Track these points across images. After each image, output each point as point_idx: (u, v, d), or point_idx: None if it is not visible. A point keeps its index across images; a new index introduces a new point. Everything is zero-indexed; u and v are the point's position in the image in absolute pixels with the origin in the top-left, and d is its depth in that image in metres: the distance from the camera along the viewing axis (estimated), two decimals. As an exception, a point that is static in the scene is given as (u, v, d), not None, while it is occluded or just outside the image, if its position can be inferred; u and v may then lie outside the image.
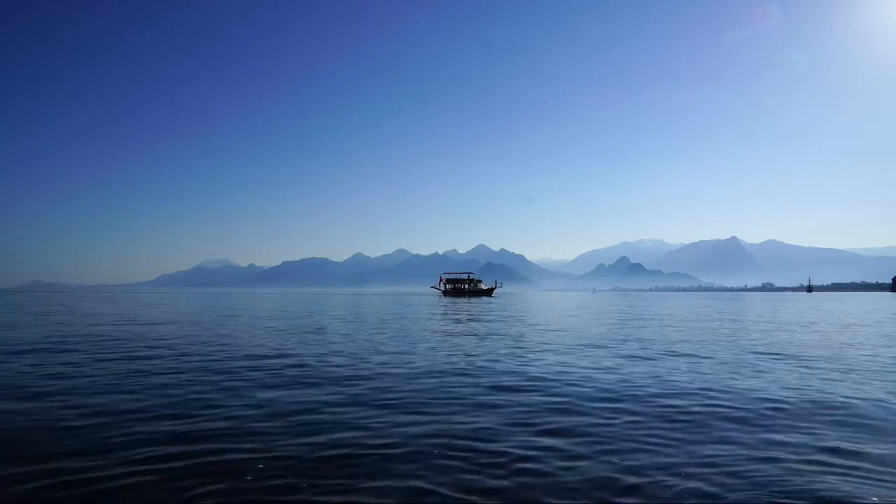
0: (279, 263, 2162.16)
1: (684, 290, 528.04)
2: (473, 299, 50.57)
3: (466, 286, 67.58)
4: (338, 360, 8.14)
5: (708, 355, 8.93)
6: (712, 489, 3.07)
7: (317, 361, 8.01)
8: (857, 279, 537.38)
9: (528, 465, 3.45)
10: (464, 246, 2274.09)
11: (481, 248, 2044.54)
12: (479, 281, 68.84)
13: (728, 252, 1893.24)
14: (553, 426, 4.38)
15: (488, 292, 68.63)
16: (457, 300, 47.20)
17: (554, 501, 2.93)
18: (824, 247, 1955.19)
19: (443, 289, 68.69)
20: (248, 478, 3.20)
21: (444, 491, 3.05)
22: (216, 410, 4.86)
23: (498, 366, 7.65)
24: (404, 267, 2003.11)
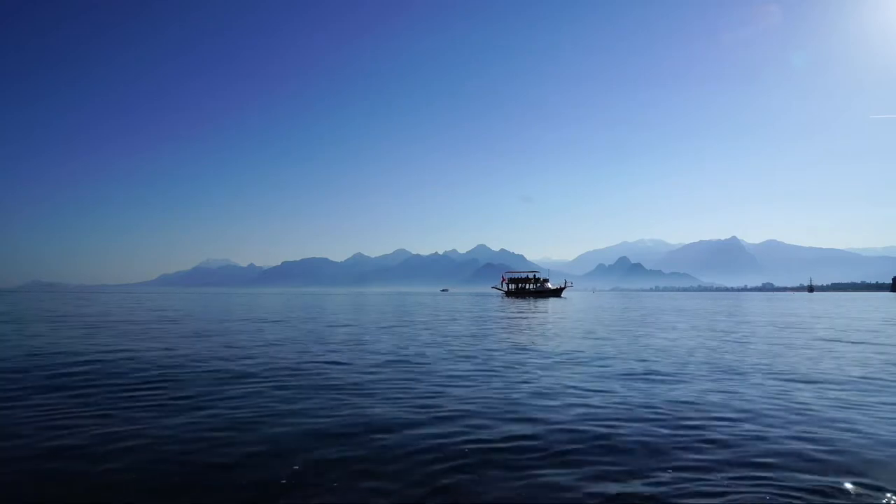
0: (279, 263, 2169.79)
1: (684, 290, 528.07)
2: (540, 300, 47.44)
3: (531, 286, 64.13)
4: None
5: None
6: None
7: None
8: (857, 279, 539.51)
9: None
10: (464, 246, 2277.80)
11: (481, 248, 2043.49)
12: (546, 280, 64.93)
13: (728, 252, 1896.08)
14: None
15: (556, 292, 63.46)
16: (526, 301, 44.24)
17: None
18: (824, 247, 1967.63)
19: (506, 289, 65.56)
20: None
21: None
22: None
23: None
24: (404, 267, 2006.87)
